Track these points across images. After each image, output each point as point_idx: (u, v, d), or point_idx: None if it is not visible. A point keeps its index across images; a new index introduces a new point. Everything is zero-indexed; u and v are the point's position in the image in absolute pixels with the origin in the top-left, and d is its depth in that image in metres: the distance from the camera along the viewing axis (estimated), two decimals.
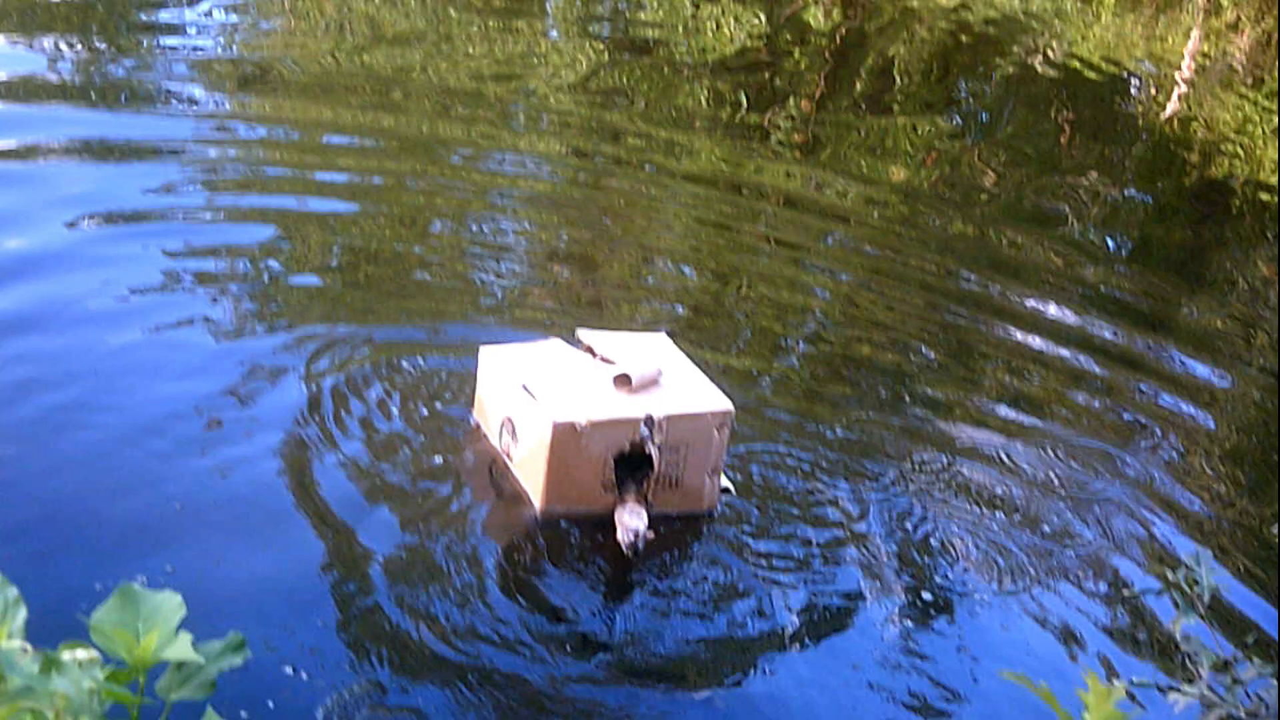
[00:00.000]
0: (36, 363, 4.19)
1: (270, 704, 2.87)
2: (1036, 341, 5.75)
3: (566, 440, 3.72)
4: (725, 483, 4.06)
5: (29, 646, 1.60)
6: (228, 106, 7.02)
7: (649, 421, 3.78)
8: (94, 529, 3.39)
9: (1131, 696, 2.93)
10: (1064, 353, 5.70)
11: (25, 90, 6.67)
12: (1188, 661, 2.04)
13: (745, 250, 6.35)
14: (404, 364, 4.53)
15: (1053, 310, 6.14)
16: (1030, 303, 6.21)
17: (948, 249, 6.81)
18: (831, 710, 3.31)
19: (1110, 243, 7.74)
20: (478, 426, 4.16)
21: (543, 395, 3.82)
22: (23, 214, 5.22)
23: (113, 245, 5.10)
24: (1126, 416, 5.28)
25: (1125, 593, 3.98)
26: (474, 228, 6.05)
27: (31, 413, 3.90)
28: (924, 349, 5.53)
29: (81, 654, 1.66)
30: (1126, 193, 8.73)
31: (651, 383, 3.94)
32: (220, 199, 5.79)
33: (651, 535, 3.60)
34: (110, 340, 4.39)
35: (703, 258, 6.21)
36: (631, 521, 3.61)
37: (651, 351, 4.14)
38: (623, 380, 3.89)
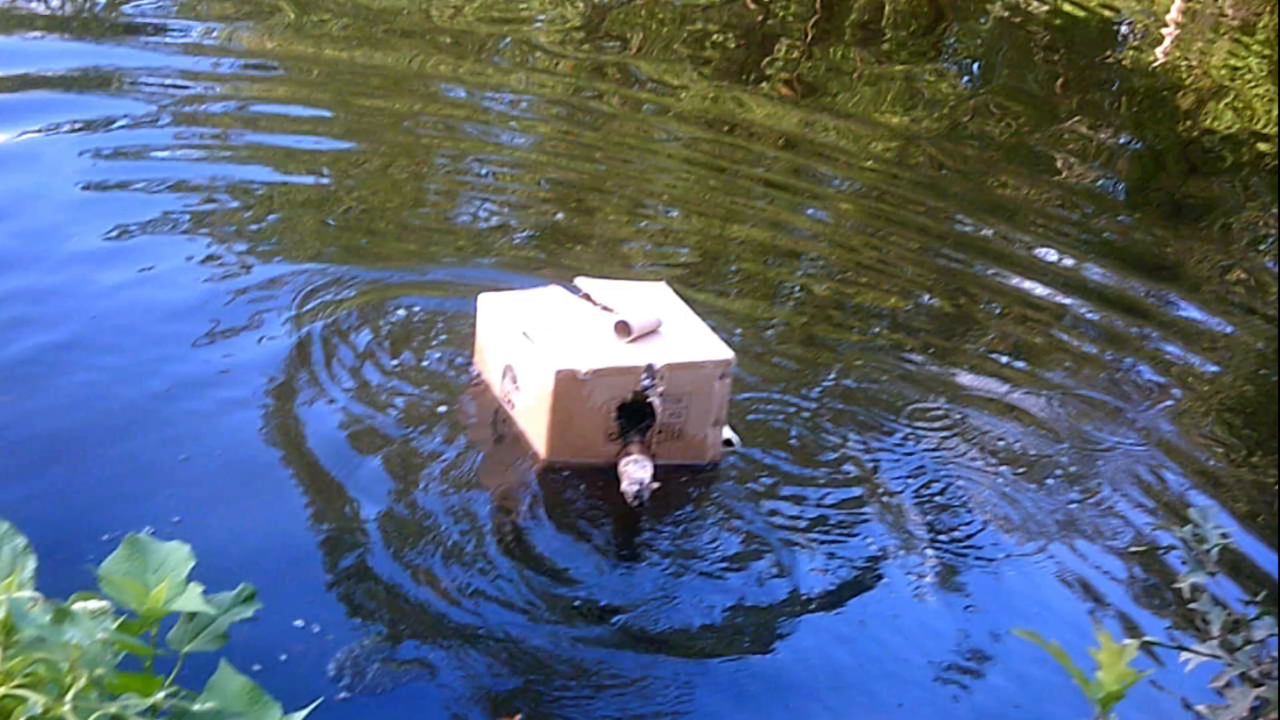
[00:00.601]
0: (28, 301, 4.15)
1: (282, 656, 2.86)
2: (1037, 288, 5.73)
3: (569, 389, 3.70)
4: (729, 434, 4.04)
5: (40, 597, 1.57)
6: (217, 40, 6.92)
7: (650, 371, 3.76)
8: (96, 474, 3.37)
9: (1150, 653, 2.95)
10: (1063, 299, 5.69)
11: (13, 22, 6.57)
12: (1200, 619, 2.03)
13: (741, 193, 6.31)
14: (400, 307, 4.50)
15: (1051, 255, 6.12)
16: (1028, 247, 6.19)
17: (944, 193, 6.78)
18: (847, 668, 3.29)
19: (1107, 187, 7.71)
20: (479, 374, 4.13)
21: (544, 343, 3.79)
22: (11, 149, 5.15)
23: (103, 181, 5.05)
24: (1128, 363, 5.28)
25: (1137, 547, 3.98)
26: (467, 168, 6.00)
27: (27, 353, 3.87)
28: (923, 295, 5.51)
29: (93, 605, 1.64)
30: (1121, 139, 8.69)
31: (651, 331, 3.91)
32: (210, 136, 5.74)
33: (656, 486, 3.59)
34: (102, 279, 4.36)
35: (698, 200, 6.17)
36: (636, 472, 3.59)
37: (651, 300, 4.11)
38: (622, 328, 3.86)
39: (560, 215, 5.74)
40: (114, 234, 4.63)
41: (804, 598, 3.49)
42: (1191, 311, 5.83)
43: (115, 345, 4.01)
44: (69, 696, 1.44)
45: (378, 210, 5.38)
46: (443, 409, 3.97)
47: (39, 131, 5.34)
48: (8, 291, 4.19)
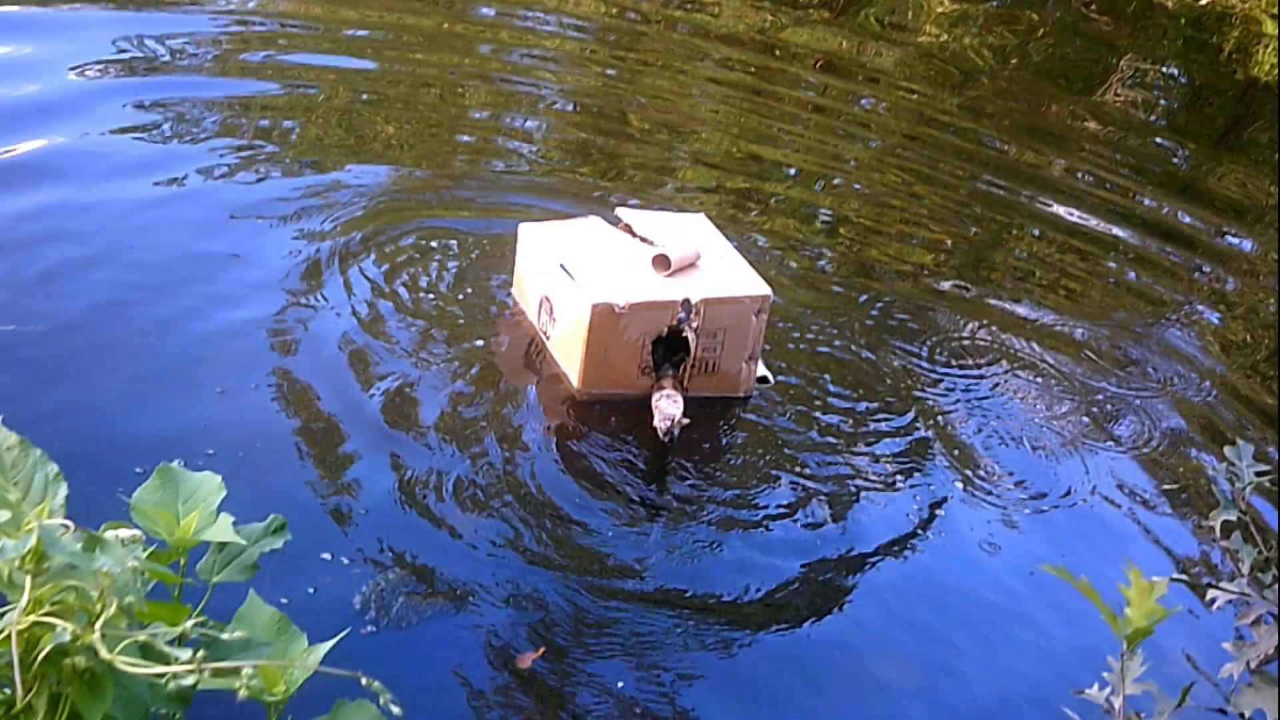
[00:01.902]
0: (56, 216, 4.16)
1: (310, 589, 2.88)
2: (1082, 216, 5.66)
3: (604, 322, 3.70)
4: (764, 371, 4.03)
5: (70, 524, 1.60)
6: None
7: (686, 305, 3.75)
8: (129, 406, 3.38)
9: (1192, 585, 2.92)
10: (1109, 227, 5.62)
11: None
12: (1229, 558, 2.01)
13: (780, 117, 6.24)
14: (438, 234, 4.50)
15: (1096, 183, 6.03)
16: (1074, 174, 6.11)
17: (988, 117, 6.68)
18: (874, 611, 3.27)
19: (1155, 118, 7.58)
20: (515, 303, 4.14)
21: (581, 276, 3.78)
22: (41, 63, 5.19)
23: (130, 97, 5.06)
24: (1175, 295, 5.22)
25: (1170, 486, 3.95)
26: (504, 89, 5.96)
27: (53, 266, 3.88)
28: (965, 222, 5.46)
29: (124, 533, 1.66)
30: (1171, 72, 8.52)
31: (690, 265, 3.90)
32: (241, 53, 5.73)
33: (688, 422, 3.59)
34: (130, 194, 4.37)
35: (736, 124, 6.11)
36: (668, 408, 3.60)
37: (690, 232, 4.09)
38: (661, 261, 3.85)
39: (597, 138, 5.70)
40: (144, 148, 4.65)
41: (836, 539, 3.46)
42: (1243, 243, 5.74)
43: (143, 261, 4.01)
44: (98, 624, 1.47)
45: (412, 131, 5.38)
46: (479, 340, 3.98)
47: (69, 45, 5.36)
48: (36, 205, 4.18)
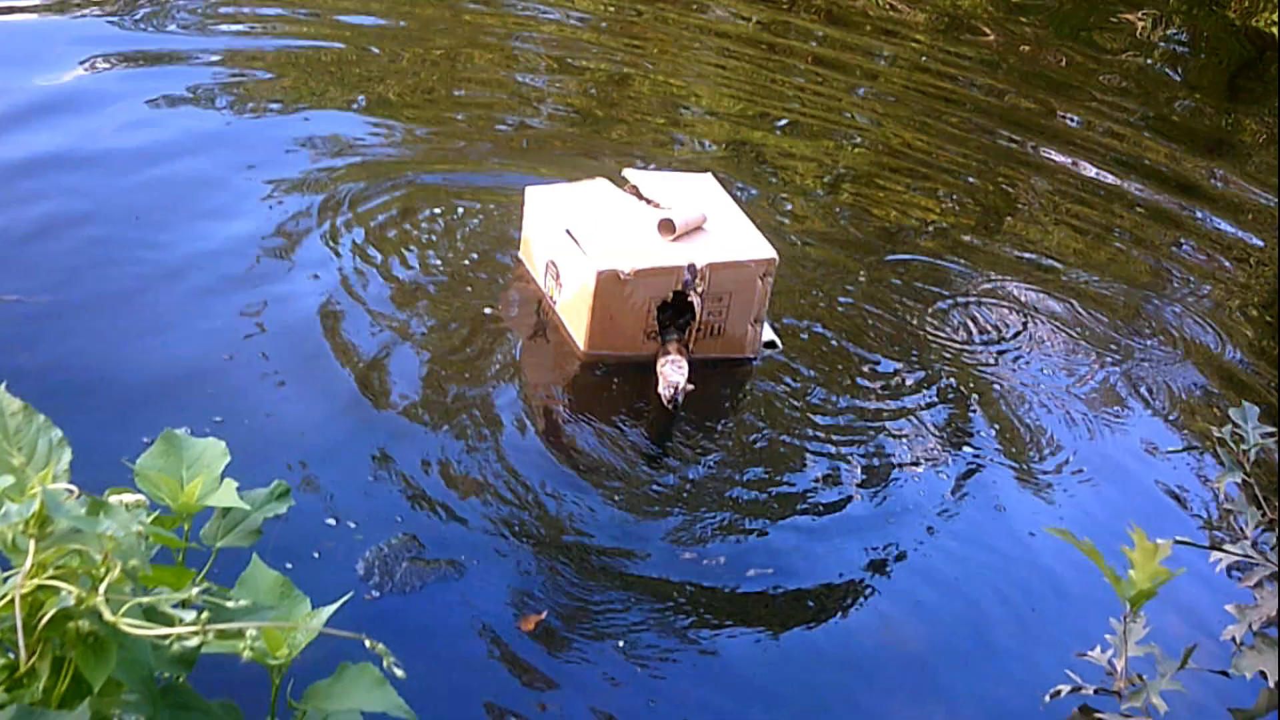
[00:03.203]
0: (69, 197, 4.16)
1: (315, 554, 2.89)
2: (1089, 167, 5.63)
3: (610, 288, 3.70)
4: (771, 336, 4.03)
5: (75, 489, 1.60)
6: None
7: (692, 270, 3.75)
8: (135, 373, 3.37)
9: (1196, 547, 2.91)
10: (1116, 178, 5.60)
11: None
12: (1232, 520, 2.01)
13: (787, 71, 6.20)
14: (443, 200, 4.51)
15: (1101, 133, 6.00)
16: (1082, 124, 6.06)
17: (997, 67, 6.64)
18: (871, 570, 3.28)
19: (1163, 68, 7.54)
20: (520, 264, 4.14)
21: (587, 241, 3.78)
22: (46, 52, 5.16)
23: (139, 83, 5.04)
24: (1181, 244, 5.19)
25: (1174, 449, 3.95)
26: (506, 46, 5.95)
27: (68, 247, 3.88)
28: (972, 176, 5.44)
29: (128, 498, 1.67)
30: (1176, 27, 8.46)
31: (695, 228, 3.89)
32: (244, 35, 5.69)
33: (692, 388, 3.59)
34: (141, 176, 4.36)
35: (744, 79, 6.06)
36: (673, 375, 3.60)
37: (697, 194, 4.08)
38: (666, 225, 3.84)
39: (603, 93, 5.68)
40: (152, 132, 4.63)
41: (831, 504, 3.46)
42: (1249, 191, 5.71)
43: (155, 242, 3.99)
44: (102, 588, 1.48)
45: (416, 90, 5.37)
46: (487, 304, 3.98)
47: (75, 34, 5.34)
48: (50, 187, 4.17)
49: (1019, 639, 3.14)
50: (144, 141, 4.53)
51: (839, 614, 3.11)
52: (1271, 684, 1.75)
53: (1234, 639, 1.84)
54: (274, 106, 4.94)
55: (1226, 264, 5.12)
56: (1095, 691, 1.80)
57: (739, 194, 4.13)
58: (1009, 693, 2.96)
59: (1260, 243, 5.30)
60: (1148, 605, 1.79)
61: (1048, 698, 1.80)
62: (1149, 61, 7.56)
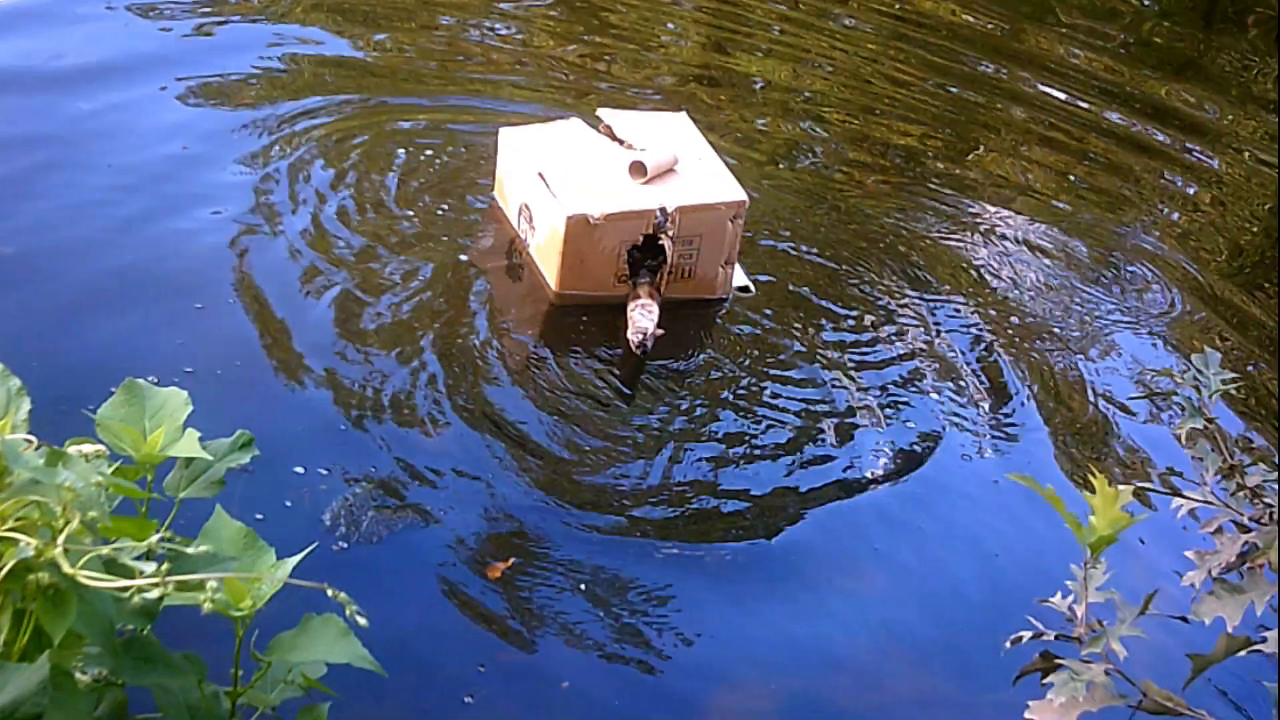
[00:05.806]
0: (11, 122, 4.12)
1: (287, 503, 2.88)
2: (1062, 94, 5.61)
3: (580, 233, 3.68)
4: (745, 280, 4.02)
5: (34, 440, 1.59)
6: None
7: (663, 213, 3.73)
8: (106, 324, 3.35)
9: (1141, 499, 2.94)
10: (1090, 104, 5.57)
11: None
12: (1194, 465, 2.02)
13: (756, 26, 6.15)
14: (413, 137, 4.48)
15: (1076, 58, 5.98)
16: (1057, 55, 6.03)
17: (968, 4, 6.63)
18: (836, 521, 3.28)
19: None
20: (495, 204, 4.12)
21: (558, 185, 3.75)
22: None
23: (92, 6, 4.97)
24: (1161, 174, 5.19)
25: (1139, 394, 3.96)
26: None
27: (8, 172, 3.86)
28: (947, 110, 5.42)
29: (88, 448, 1.65)
30: None
31: (667, 170, 3.87)
32: None
33: (661, 333, 3.58)
34: (84, 105, 4.31)
35: (720, 22, 6.00)
36: (642, 321, 3.59)
37: (670, 134, 4.06)
38: (637, 168, 3.82)
39: (577, 35, 5.61)
40: (99, 56, 4.58)
41: (799, 447, 3.46)
42: (1227, 116, 5.71)
43: (97, 166, 3.97)
44: (61, 539, 1.47)
45: (390, 36, 5.30)
46: (461, 242, 3.96)
47: None
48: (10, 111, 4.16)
49: (984, 584, 3.17)
50: (84, 69, 4.48)
51: (807, 558, 3.13)
52: (1230, 629, 1.76)
53: (1194, 585, 1.85)
54: (226, 52, 4.83)
55: (1205, 198, 5.12)
56: (1055, 637, 1.81)
57: (707, 128, 4.10)
58: (972, 640, 2.98)
59: (1236, 169, 5.29)
60: (1109, 551, 1.80)
61: (1009, 644, 1.81)
62: None
